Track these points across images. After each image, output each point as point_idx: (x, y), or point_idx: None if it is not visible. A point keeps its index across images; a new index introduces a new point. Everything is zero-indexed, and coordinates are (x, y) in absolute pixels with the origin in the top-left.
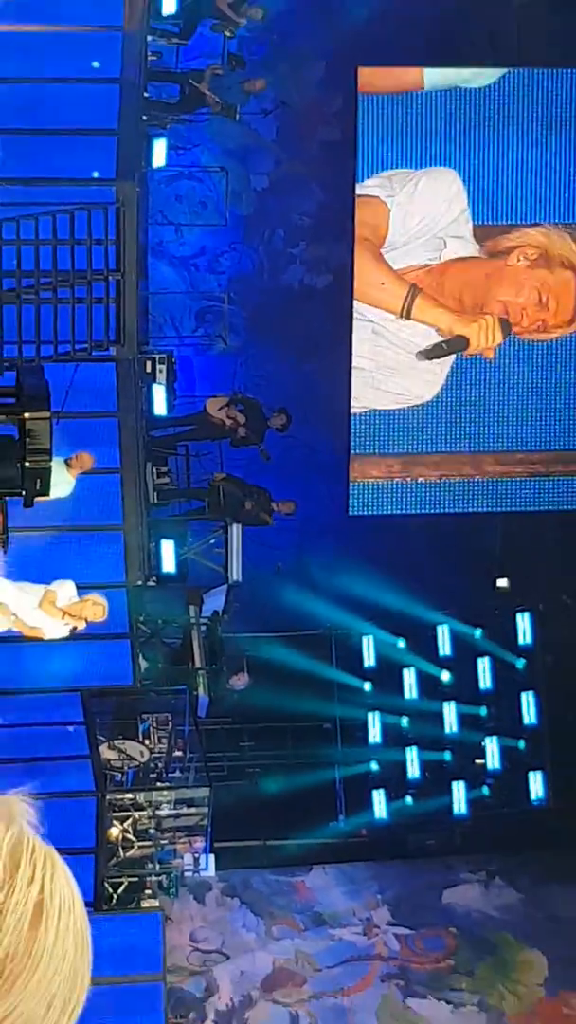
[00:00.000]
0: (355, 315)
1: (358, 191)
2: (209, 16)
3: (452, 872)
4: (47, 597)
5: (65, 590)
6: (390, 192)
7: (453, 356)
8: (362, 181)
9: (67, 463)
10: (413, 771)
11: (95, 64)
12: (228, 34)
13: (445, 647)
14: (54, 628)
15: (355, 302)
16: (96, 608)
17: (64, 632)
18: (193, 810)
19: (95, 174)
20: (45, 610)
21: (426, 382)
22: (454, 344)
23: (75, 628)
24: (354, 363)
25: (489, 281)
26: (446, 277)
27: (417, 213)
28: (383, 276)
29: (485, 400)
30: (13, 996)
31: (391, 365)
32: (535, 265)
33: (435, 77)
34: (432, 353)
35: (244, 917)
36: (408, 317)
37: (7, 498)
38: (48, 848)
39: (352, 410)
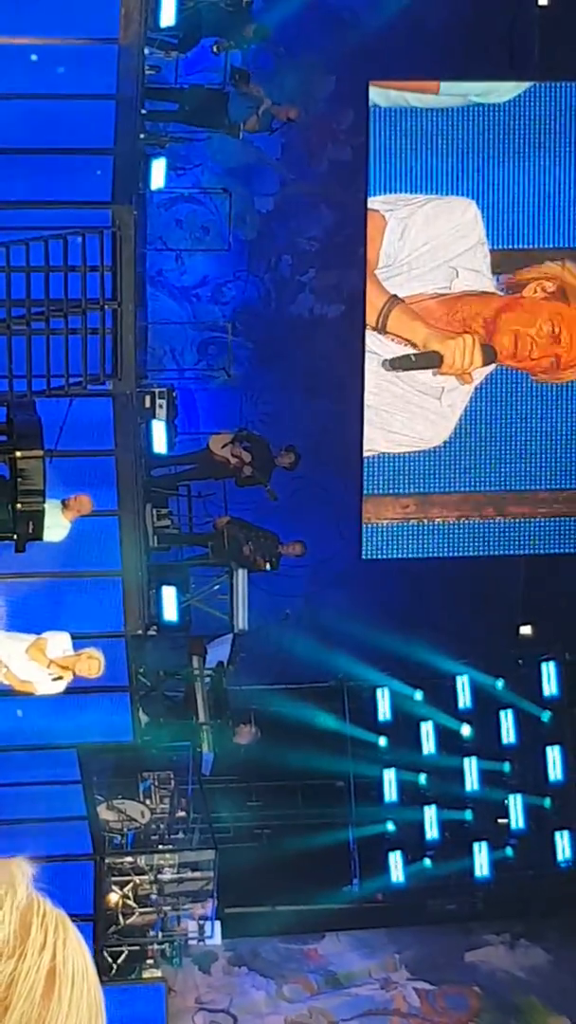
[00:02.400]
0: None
1: None
2: (212, 32)
3: (474, 935)
4: (36, 644)
5: (58, 641)
6: (391, 208)
7: (466, 398)
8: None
9: (63, 505)
10: (432, 832)
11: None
12: (215, 50)
13: (465, 699)
14: (46, 683)
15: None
16: (91, 663)
17: (57, 688)
18: (197, 874)
19: (98, 172)
20: (32, 656)
21: (435, 425)
22: (425, 359)
23: (61, 678)
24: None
25: (503, 312)
26: (457, 309)
27: (421, 235)
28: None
29: (503, 438)
30: None
31: (398, 405)
32: (551, 297)
33: (450, 91)
34: (398, 364)
35: (253, 979)
36: (384, 330)
37: None
38: (59, 912)
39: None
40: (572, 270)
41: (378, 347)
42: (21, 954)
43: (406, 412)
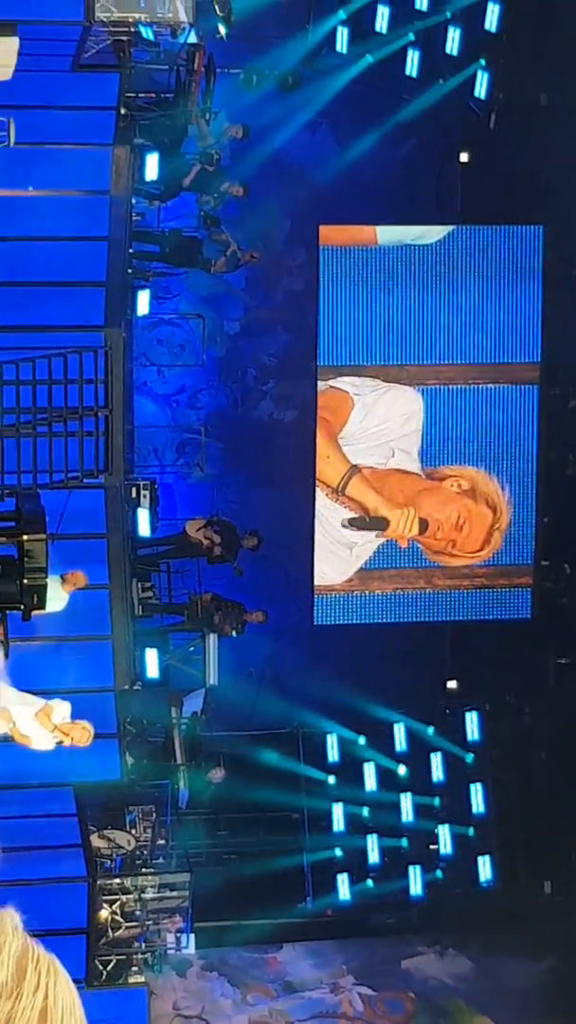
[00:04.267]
0: None
1: (332, 382)
2: (192, 188)
3: (410, 946)
4: (44, 710)
5: (61, 709)
6: (358, 392)
7: (372, 548)
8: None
9: (62, 580)
10: (373, 857)
11: None
12: (213, 204)
13: (401, 743)
14: (42, 740)
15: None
16: (84, 733)
17: (50, 745)
18: (175, 893)
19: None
20: (40, 720)
21: (338, 568)
22: (375, 523)
23: (61, 742)
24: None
25: (422, 493)
26: (388, 481)
27: (377, 417)
28: (330, 452)
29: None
30: None
31: (316, 546)
32: (464, 494)
33: (387, 234)
34: (356, 523)
35: (222, 987)
36: (343, 493)
37: (7, 611)
38: (50, 956)
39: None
40: (484, 477)
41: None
42: (18, 995)
43: (319, 552)
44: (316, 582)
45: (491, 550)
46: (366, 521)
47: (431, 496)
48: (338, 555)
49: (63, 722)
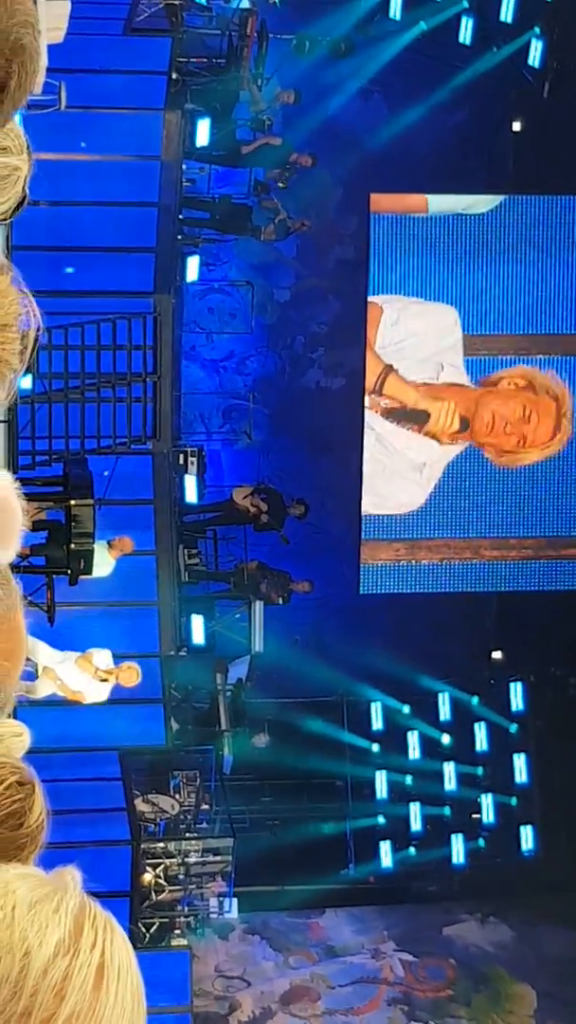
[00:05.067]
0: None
1: (369, 299)
2: (256, 164)
3: (451, 913)
4: (85, 656)
5: (102, 656)
6: (387, 302)
7: (442, 467)
8: (372, 295)
9: (109, 545)
10: (416, 825)
11: None
12: (282, 185)
13: (445, 712)
14: (94, 692)
15: (366, 404)
16: (131, 673)
17: (102, 696)
18: (218, 858)
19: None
20: (81, 666)
21: (413, 494)
22: (415, 415)
23: (106, 680)
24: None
25: (482, 398)
26: (445, 395)
27: (411, 325)
28: (366, 357)
29: (480, 496)
30: None
31: (386, 474)
32: (523, 389)
33: (438, 203)
34: (396, 415)
35: (264, 951)
36: (380, 393)
37: (55, 576)
38: (107, 914)
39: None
40: (538, 371)
41: (377, 426)
42: (75, 952)
43: (392, 480)
44: (394, 511)
45: (563, 438)
46: (406, 412)
47: (491, 397)
48: (410, 479)
49: (107, 668)
